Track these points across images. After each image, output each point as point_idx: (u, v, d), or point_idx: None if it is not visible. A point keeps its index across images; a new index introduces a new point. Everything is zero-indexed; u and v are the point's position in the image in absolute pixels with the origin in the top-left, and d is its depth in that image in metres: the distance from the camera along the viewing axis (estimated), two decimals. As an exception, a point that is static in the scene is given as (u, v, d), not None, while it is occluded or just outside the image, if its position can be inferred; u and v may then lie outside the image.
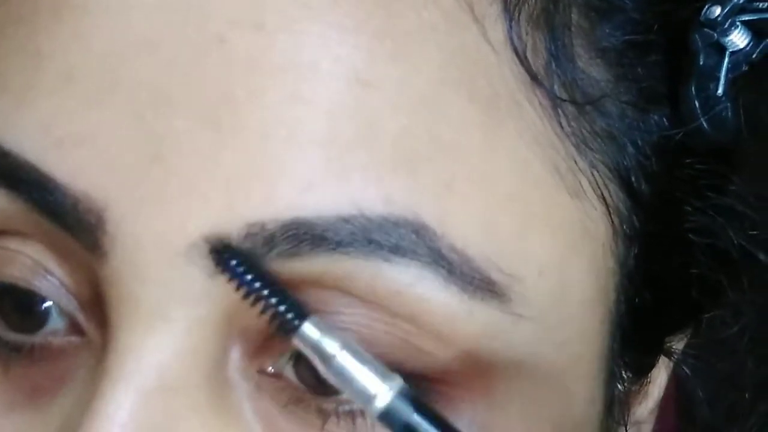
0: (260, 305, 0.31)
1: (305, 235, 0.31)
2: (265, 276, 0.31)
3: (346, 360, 0.31)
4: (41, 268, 0.33)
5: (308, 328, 0.31)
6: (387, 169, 0.32)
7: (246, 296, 0.31)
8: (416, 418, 0.31)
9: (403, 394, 0.31)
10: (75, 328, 0.34)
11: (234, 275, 0.31)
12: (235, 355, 0.33)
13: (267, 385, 0.33)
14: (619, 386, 0.38)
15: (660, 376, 0.41)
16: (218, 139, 0.31)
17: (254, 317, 0.32)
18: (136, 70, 0.32)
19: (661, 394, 0.41)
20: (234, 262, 0.31)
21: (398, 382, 0.31)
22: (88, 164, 0.32)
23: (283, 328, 0.31)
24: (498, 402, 0.33)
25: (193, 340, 0.32)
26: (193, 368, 0.32)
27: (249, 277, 0.31)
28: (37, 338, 0.34)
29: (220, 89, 0.31)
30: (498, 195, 0.33)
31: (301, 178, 0.31)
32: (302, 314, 0.31)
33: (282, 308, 0.31)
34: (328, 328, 0.31)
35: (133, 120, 0.31)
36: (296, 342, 0.31)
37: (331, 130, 0.31)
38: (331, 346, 0.31)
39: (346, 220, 0.31)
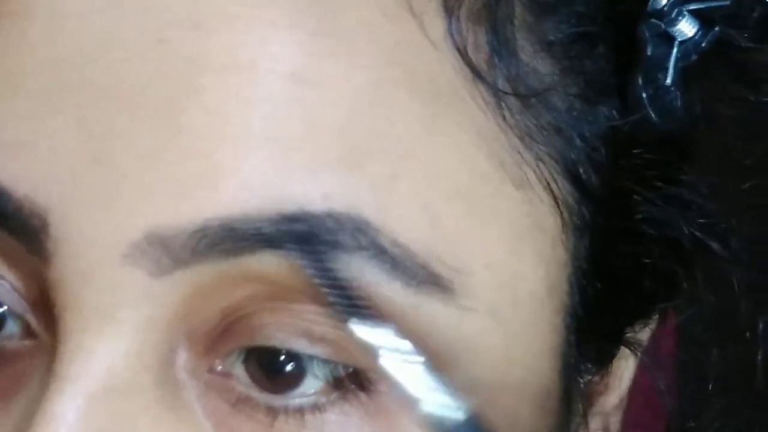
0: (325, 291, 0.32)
1: (247, 233, 0.31)
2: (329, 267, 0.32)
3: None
4: None
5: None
6: (327, 166, 0.32)
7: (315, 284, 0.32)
8: None
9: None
10: (29, 331, 0.34)
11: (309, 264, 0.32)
12: (184, 355, 0.33)
13: (216, 384, 0.33)
14: (579, 378, 0.38)
15: (625, 368, 0.41)
16: (159, 139, 0.31)
17: (203, 317, 0.33)
18: (79, 73, 0.32)
19: (628, 385, 0.41)
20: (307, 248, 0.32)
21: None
22: (31, 168, 0.32)
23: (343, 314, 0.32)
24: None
25: (140, 342, 0.32)
26: (141, 369, 0.32)
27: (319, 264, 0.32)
28: None
29: (160, 90, 0.31)
30: (442, 189, 0.33)
31: (242, 177, 0.31)
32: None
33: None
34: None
35: (76, 123, 0.32)
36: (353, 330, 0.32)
37: (270, 128, 0.31)
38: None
39: (287, 218, 0.31)
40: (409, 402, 0.32)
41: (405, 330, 0.32)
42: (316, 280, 0.32)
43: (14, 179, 0.32)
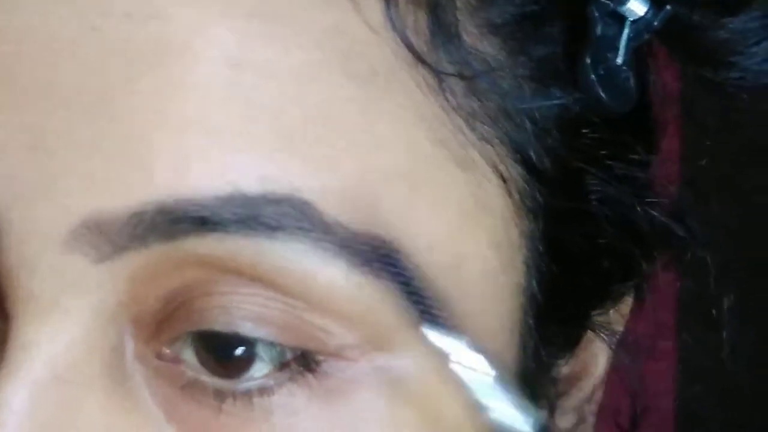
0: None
1: (185, 217, 0.32)
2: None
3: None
4: None
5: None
6: (264, 147, 0.32)
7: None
8: None
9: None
10: None
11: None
12: (131, 342, 0.33)
13: (165, 369, 0.33)
14: (543, 363, 0.38)
15: (598, 355, 0.41)
16: (96, 127, 0.32)
17: (148, 303, 0.33)
18: (17, 64, 0.32)
19: (602, 373, 0.41)
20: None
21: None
22: None
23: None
24: (402, 375, 0.34)
25: (86, 329, 0.32)
26: (88, 357, 0.32)
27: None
28: None
29: (95, 79, 0.32)
30: (380, 170, 0.33)
31: (178, 162, 0.32)
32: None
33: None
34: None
35: (16, 114, 0.32)
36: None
37: (205, 112, 0.32)
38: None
39: (224, 200, 0.31)
40: (477, 408, 0.33)
41: (352, 311, 0.33)
42: (396, 284, 0.33)
43: None
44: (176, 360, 0.33)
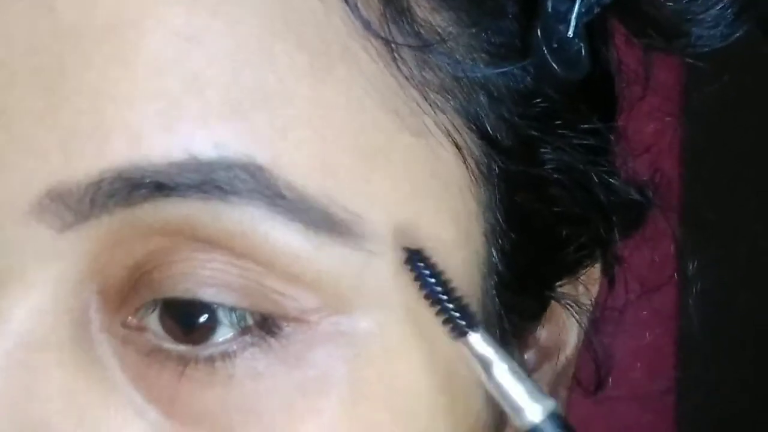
0: (436, 307, 0.34)
1: (142, 182, 0.32)
2: (446, 282, 0.34)
3: (503, 373, 0.33)
4: None
5: (474, 338, 0.33)
6: (216, 116, 0.33)
7: (426, 297, 0.34)
8: None
9: (554, 417, 0.33)
10: None
11: (420, 278, 0.34)
12: (98, 314, 0.34)
13: (130, 337, 0.34)
14: (505, 328, 0.38)
15: (569, 328, 0.41)
16: (53, 103, 0.33)
17: (112, 272, 0.34)
18: None
19: (574, 348, 0.42)
20: (422, 267, 0.34)
21: (550, 403, 0.33)
22: None
23: (453, 332, 0.33)
24: (363, 340, 0.34)
25: (51, 299, 0.33)
26: (55, 326, 0.33)
27: (433, 280, 0.34)
28: None
29: (52, 57, 0.33)
30: (334, 138, 0.34)
31: (132, 131, 0.32)
32: (471, 324, 0.33)
33: (455, 315, 0.33)
34: (491, 342, 0.33)
35: None
36: (462, 347, 0.34)
37: (157, 85, 0.33)
38: (493, 357, 0.33)
39: (179, 165, 0.32)
40: (513, 410, 0.33)
41: (311, 274, 0.33)
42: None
43: None
44: (141, 328, 0.34)
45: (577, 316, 0.42)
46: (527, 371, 0.39)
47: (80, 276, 0.33)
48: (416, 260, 0.34)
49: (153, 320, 0.34)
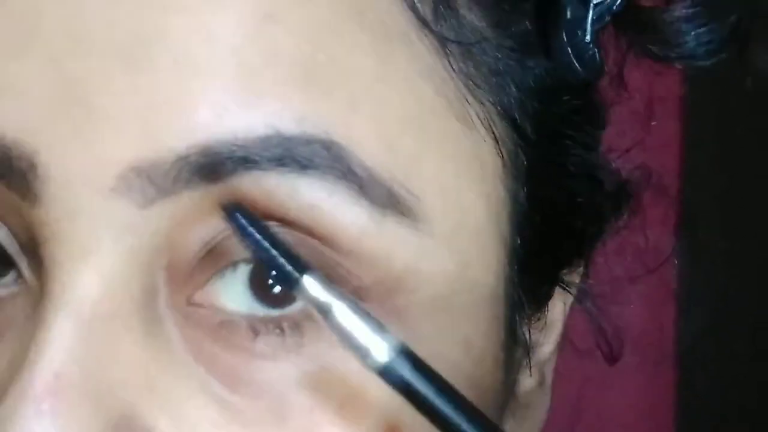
0: (264, 258, 0.32)
1: (225, 157, 0.33)
2: (270, 234, 0.33)
3: (343, 314, 0.31)
4: None
5: (308, 282, 0.32)
6: (297, 91, 0.33)
7: (253, 251, 0.33)
8: (415, 375, 0.31)
9: (402, 351, 0.31)
10: (17, 278, 0.36)
11: (242, 231, 0.33)
12: (165, 285, 0.34)
13: (195, 313, 0.35)
14: (520, 320, 0.39)
15: (559, 314, 0.43)
16: (133, 76, 0.33)
17: (183, 246, 0.34)
18: (51, 18, 0.33)
19: (558, 335, 0.43)
20: (243, 220, 0.33)
21: (395, 339, 0.31)
22: (14, 113, 0.33)
23: (284, 281, 0.32)
24: (411, 321, 0.35)
25: (123, 271, 0.33)
26: (125, 298, 0.33)
27: (255, 233, 0.33)
28: None
29: (132, 30, 0.33)
30: (396, 118, 0.35)
31: (216, 105, 0.33)
32: (302, 268, 0.32)
33: (283, 262, 0.32)
34: (327, 283, 0.32)
35: (52, 66, 0.33)
36: (297, 294, 0.32)
37: (239, 60, 0.33)
38: (329, 299, 0.31)
39: (263, 140, 0.33)
40: (359, 351, 0.31)
41: (372, 251, 0.34)
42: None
43: (1, 125, 0.33)
44: (207, 304, 0.35)
45: (565, 301, 0.43)
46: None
47: (152, 251, 0.34)
48: (235, 215, 0.33)
49: (219, 293, 0.35)
